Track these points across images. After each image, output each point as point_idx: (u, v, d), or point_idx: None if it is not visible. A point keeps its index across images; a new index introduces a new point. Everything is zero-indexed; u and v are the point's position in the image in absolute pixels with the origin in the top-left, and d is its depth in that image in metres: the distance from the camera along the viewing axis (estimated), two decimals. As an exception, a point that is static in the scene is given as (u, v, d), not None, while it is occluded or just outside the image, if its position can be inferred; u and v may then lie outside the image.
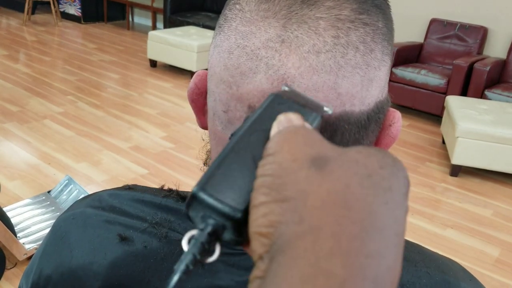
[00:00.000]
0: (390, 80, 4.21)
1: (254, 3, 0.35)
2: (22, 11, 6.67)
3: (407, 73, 4.18)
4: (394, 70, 4.22)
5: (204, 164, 0.52)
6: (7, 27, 6.40)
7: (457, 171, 3.25)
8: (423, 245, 0.49)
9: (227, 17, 0.37)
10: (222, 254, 0.28)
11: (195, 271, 0.37)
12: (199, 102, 0.42)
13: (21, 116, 3.60)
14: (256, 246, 0.23)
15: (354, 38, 0.34)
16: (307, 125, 0.28)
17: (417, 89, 4.14)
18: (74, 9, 6.86)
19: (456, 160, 3.19)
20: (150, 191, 0.49)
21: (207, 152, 0.49)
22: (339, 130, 0.35)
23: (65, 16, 6.96)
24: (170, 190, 0.49)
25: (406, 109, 4.43)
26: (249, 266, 0.39)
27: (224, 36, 0.37)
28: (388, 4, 0.38)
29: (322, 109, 0.31)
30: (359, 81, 0.34)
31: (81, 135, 3.36)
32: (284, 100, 0.29)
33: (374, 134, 0.39)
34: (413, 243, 0.48)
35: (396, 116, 0.40)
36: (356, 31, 0.34)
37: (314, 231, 0.21)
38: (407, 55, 4.39)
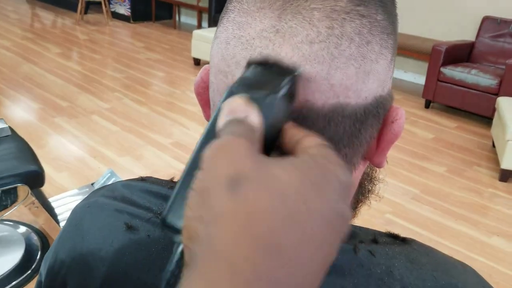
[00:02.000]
0: (438, 80, 4.08)
1: None
2: (76, 10, 6.94)
3: (456, 72, 4.03)
4: (442, 69, 4.08)
5: None
6: (61, 26, 6.68)
7: (506, 176, 3.10)
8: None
9: (228, 9, 0.38)
10: None
11: None
12: (205, 95, 0.42)
13: (71, 111, 3.74)
14: (186, 255, 0.26)
15: (349, 29, 0.33)
16: (254, 115, 0.28)
17: (467, 89, 3.99)
18: (124, 9, 7.07)
19: (506, 164, 3.04)
20: (159, 183, 0.51)
21: None
22: (333, 121, 0.35)
23: (116, 15, 7.19)
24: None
25: (454, 110, 4.28)
26: None
27: (223, 28, 0.38)
28: None
29: (292, 71, 0.32)
30: (353, 73, 0.34)
31: (125, 131, 3.46)
32: (240, 91, 0.29)
33: (374, 129, 0.38)
34: (424, 245, 0.46)
35: (399, 113, 0.39)
36: (352, 22, 0.33)
37: (215, 257, 0.23)
38: (457, 54, 4.24)
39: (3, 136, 1.57)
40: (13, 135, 1.86)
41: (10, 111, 3.72)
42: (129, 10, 6.99)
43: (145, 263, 0.43)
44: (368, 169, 0.50)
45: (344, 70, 0.33)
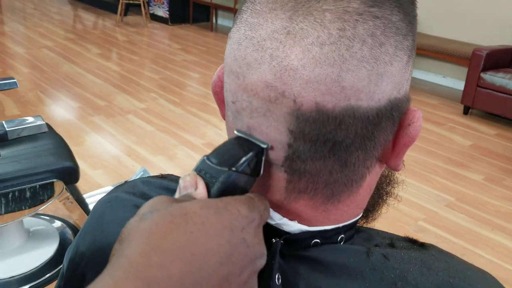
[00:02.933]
0: (477, 86, 3.97)
1: None
2: (116, 12, 7.12)
3: (497, 78, 3.90)
4: (482, 75, 3.96)
5: None
6: (102, 27, 6.86)
7: (548, 186, 2.98)
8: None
9: (241, 9, 0.38)
10: None
11: None
12: (221, 94, 0.43)
13: (108, 110, 3.84)
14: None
15: (361, 31, 0.33)
16: (200, 185, 0.35)
17: (508, 96, 3.85)
18: (162, 11, 7.20)
19: (548, 174, 2.92)
20: (177, 180, 0.52)
21: None
22: (343, 124, 0.34)
23: (154, 17, 7.33)
24: None
25: (494, 117, 4.14)
26: None
27: (236, 28, 0.38)
28: None
29: (259, 147, 0.36)
30: (365, 75, 0.33)
31: (160, 130, 3.52)
32: (205, 165, 0.36)
33: (389, 132, 0.37)
34: (444, 251, 0.45)
35: (416, 115, 0.38)
36: (364, 24, 0.33)
37: (121, 256, 0.29)
38: (498, 60, 4.10)
39: (40, 133, 1.63)
40: (50, 132, 1.93)
41: (51, 109, 3.85)
42: (168, 12, 7.11)
43: None
44: (387, 172, 0.49)
45: (356, 73, 0.33)
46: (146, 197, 0.49)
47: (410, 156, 3.33)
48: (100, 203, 0.53)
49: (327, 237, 0.40)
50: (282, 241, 0.39)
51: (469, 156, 3.42)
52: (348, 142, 0.35)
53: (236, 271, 0.31)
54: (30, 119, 1.57)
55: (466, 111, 4.22)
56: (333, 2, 0.33)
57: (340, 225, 0.41)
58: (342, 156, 0.36)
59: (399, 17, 0.34)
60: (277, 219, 0.39)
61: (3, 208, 1.70)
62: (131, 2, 7.04)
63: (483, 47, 4.09)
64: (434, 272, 0.40)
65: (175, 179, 0.52)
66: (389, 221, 2.55)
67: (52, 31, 6.32)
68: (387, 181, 0.49)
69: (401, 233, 0.46)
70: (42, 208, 1.79)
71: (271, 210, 0.40)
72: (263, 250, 0.34)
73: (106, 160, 3.04)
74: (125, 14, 7.35)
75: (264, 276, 0.37)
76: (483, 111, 4.19)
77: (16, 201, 1.72)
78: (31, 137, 1.76)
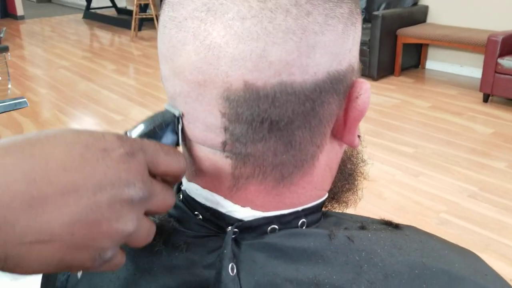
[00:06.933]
0: (495, 72, 3.87)
1: None
2: (130, 28, 7.23)
3: (515, 63, 3.79)
4: (500, 61, 3.85)
5: None
6: (117, 44, 6.98)
7: None
8: None
9: None
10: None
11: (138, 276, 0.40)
12: None
13: (124, 124, 3.88)
14: None
15: (284, 1, 0.31)
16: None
17: (528, 80, 3.74)
18: (174, 23, 7.28)
19: None
20: None
21: None
22: (278, 101, 0.32)
23: (167, 30, 7.40)
24: None
25: (515, 103, 4.03)
26: (169, 267, 0.39)
27: (162, 10, 0.37)
28: None
29: (172, 114, 0.37)
30: (294, 48, 0.31)
31: (175, 140, 3.54)
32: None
33: (334, 106, 0.35)
34: (422, 232, 0.42)
35: (364, 87, 0.36)
36: None
37: None
38: (516, 44, 3.99)
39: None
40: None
41: (69, 127, 3.92)
42: (180, 24, 7.18)
43: None
44: (350, 151, 0.47)
45: (283, 46, 0.31)
46: None
47: (429, 148, 3.27)
48: None
49: (285, 222, 0.38)
50: (235, 229, 0.38)
51: (491, 144, 3.33)
52: (287, 120, 0.34)
53: (88, 186, 0.29)
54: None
55: (486, 99, 4.11)
56: None
57: (299, 208, 0.39)
58: (284, 135, 0.34)
59: None
60: (228, 207, 0.38)
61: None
62: (144, 16, 7.14)
63: (498, 32, 3.98)
64: (405, 252, 0.38)
65: None
66: (409, 215, 2.50)
67: (69, 51, 6.45)
68: (351, 160, 0.47)
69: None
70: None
71: (222, 198, 0.38)
72: (134, 180, 0.31)
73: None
74: (139, 29, 7.46)
75: (216, 267, 0.36)
76: (503, 97, 4.07)
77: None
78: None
